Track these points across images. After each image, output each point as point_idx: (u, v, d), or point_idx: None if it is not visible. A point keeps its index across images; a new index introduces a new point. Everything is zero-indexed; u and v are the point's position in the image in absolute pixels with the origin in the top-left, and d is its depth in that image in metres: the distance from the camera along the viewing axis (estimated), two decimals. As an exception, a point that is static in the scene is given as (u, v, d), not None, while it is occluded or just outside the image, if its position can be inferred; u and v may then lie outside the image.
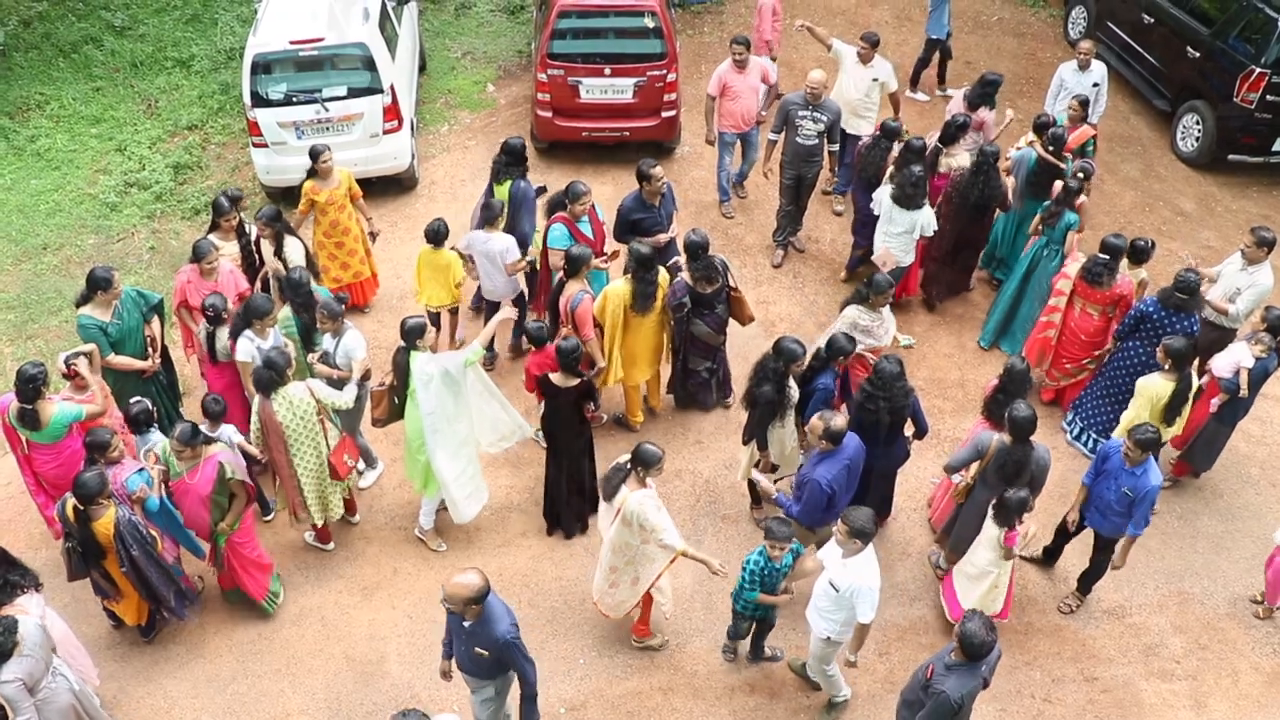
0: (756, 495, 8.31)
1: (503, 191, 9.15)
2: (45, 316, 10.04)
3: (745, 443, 7.75)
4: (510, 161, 9.15)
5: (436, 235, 8.78)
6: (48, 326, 9.94)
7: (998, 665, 6.04)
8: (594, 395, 8.27)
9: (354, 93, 10.80)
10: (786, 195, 10.48)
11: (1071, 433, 9.03)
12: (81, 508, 6.55)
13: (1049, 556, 8.04)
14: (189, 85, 13.21)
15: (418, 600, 7.80)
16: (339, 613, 7.74)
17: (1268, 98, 11.37)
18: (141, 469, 7.04)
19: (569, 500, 8.14)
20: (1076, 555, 7.86)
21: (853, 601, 6.27)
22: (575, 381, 7.68)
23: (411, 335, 7.46)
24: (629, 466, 6.73)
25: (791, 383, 7.49)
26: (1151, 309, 8.24)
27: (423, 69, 13.37)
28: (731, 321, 8.73)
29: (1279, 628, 7.77)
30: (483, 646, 5.85)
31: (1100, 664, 7.52)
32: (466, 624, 5.81)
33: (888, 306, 8.28)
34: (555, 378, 7.69)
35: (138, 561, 6.71)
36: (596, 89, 11.44)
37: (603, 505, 6.98)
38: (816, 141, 10.00)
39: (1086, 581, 7.76)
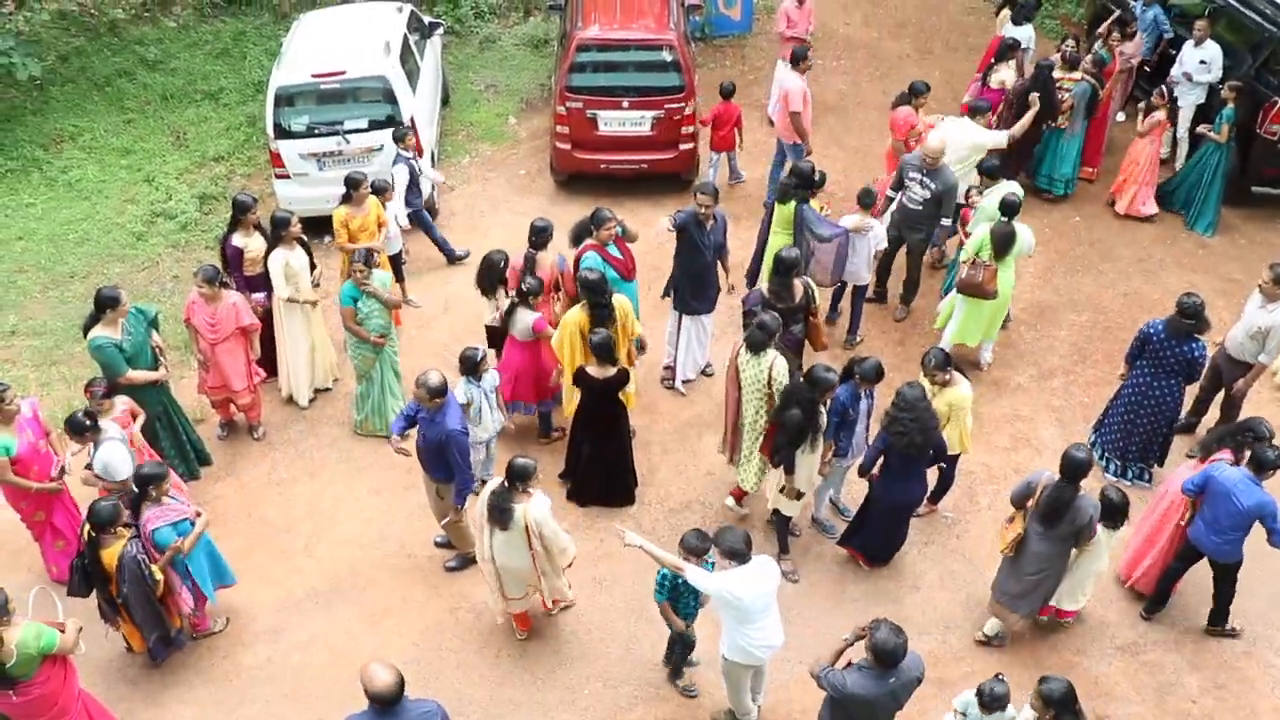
0: (785, 542, 8.22)
1: (788, 211, 9.36)
2: (70, 343, 10.20)
3: (775, 465, 7.76)
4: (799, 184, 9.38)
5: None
6: (71, 353, 10.11)
7: (916, 691, 5.94)
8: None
9: (374, 125, 10.97)
10: (885, 252, 10.34)
11: (1096, 453, 8.92)
12: (94, 533, 6.70)
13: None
14: (217, 118, 13.47)
15: (425, 629, 7.82)
16: (347, 639, 7.76)
17: (1293, 130, 11.24)
18: (179, 520, 7.02)
19: (594, 473, 8.18)
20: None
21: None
22: (612, 372, 7.88)
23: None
24: (507, 485, 6.82)
25: (822, 409, 7.50)
26: (1154, 331, 8.21)
27: (446, 101, 13.55)
28: None
29: (1300, 667, 7.62)
30: None
31: (1114, 702, 7.38)
32: None
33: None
34: (592, 369, 7.90)
35: (127, 597, 6.86)
36: (614, 121, 11.54)
37: (499, 536, 6.97)
38: (921, 208, 9.77)
39: (1217, 616, 7.75)
